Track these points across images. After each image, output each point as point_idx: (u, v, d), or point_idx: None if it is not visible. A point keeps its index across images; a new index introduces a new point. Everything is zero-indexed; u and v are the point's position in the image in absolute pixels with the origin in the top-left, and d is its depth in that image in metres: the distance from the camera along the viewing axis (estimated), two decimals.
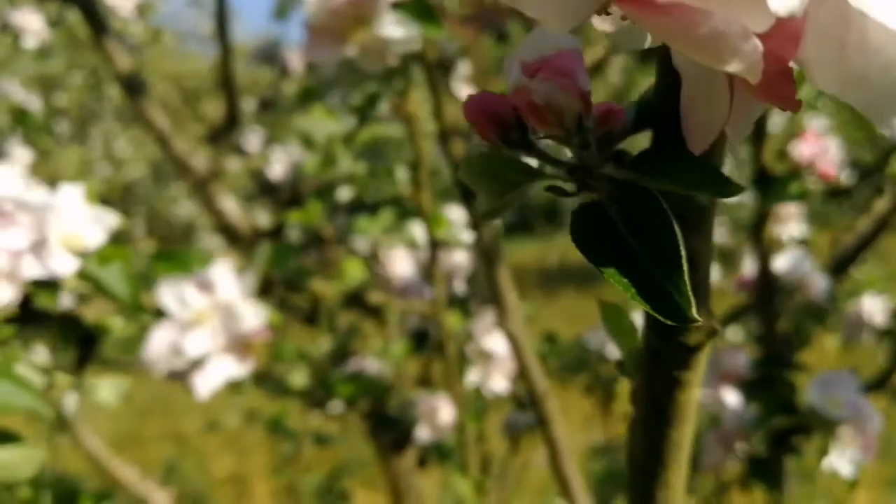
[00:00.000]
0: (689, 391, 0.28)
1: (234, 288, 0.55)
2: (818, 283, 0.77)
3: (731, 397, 0.72)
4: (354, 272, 0.87)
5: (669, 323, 0.22)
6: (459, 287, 1.09)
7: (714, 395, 0.70)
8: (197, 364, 0.55)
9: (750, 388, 0.73)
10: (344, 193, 1.00)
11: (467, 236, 1.05)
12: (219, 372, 0.56)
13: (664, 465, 0.30)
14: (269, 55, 2.53)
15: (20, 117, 1.58)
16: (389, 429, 1.25)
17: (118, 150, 4.65)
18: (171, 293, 0.55)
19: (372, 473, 3.40)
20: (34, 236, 0.46)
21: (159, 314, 0.55)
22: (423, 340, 1.13)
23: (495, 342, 1.12)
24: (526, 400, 1.66)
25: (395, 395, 1.28)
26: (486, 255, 0.60)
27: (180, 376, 0.56)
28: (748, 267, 0.78)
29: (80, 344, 0.53)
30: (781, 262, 0.75)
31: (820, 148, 0.58)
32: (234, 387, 2.05)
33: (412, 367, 1.39)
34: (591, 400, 1.71)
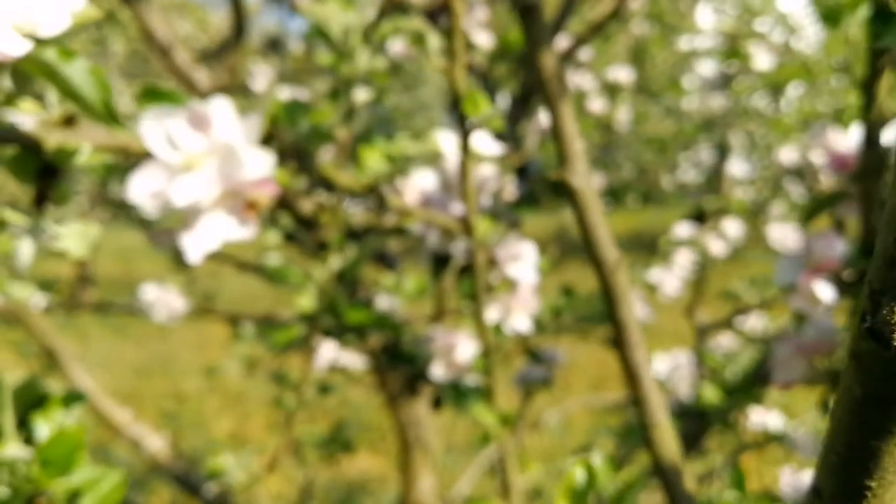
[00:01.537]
0: None
1: (234, 128, 0.45)
2: None
3: (826, 291, 0.61)
4: (373, 163, 0.77)
5: None
6: (486, 202, 0.99)
7: (804, 289, 0.59)
8: (188, 220, 0.45)
9: (842, 285, 0.63)
10: (361, 94, 0.90)
11: (495, 147, 0.95)
12: (214, 230, 0.45)
13: None
14: None
15: None
16: (402, 366, 1.15)
17: (123, 107, 4.56)
18: (157, 129, 0.45)
19: (375, 436, 3.34)
20: None
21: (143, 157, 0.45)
22: (442, 265, 1.03)
23: (521, 270, 1.02)
24: (541, 353, 1.58)
25: (408, 330, 1.19)
26: (547, 86, 0.49)
27: (165, 238, 0.46)
28: (846, 140, 0.66)
29: (40, 176, 0.43)
30: (893, 133, 0.63)
31: None
32: (235, 335, 1.96)
33: (426, 304, 1.30)
34: (613, 353, 1.62)
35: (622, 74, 2.49)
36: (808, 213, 0.65)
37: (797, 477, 1.17)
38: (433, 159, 0.96)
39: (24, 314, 1.63)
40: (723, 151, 3.00)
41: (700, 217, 2.39)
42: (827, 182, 0.70)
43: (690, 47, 3.15)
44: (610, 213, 7.46)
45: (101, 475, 0.56)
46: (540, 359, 1.58)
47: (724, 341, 1.86)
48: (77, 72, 0.40)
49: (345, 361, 1.78)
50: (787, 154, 2.21)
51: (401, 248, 1.51)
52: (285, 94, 1.94)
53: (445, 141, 0.91)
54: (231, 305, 2.52)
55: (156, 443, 1.58)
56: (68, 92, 0.40)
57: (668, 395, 1.71)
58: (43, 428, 0.56)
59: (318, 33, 0.87)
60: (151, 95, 0.47)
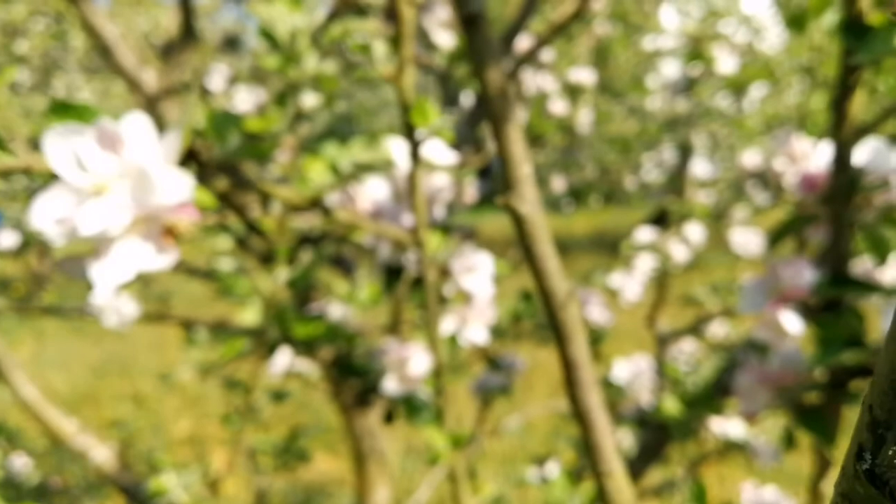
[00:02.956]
0: None
1: (149, 148, 0.41)
2: None
3: (793, 322, 0.57)
4: (317, 175, 0.73)
5: None
6: (440, 213, 0.96)
7: (769, 319, 0.56)
8: (98, 248, 0.40)
9: (809, 314, 0.59)
10: (309, 100, 0.86)
11: (449, 156, 0.91)
12: (126, 259, 0.41)
13: None
14: None
15: None
16: (354, 379, 1.11)
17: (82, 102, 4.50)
18: (64, 148, 0.40)
19: (333, 439, 3.30)
20: None
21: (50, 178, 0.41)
22: (395, 277, 0.99)
23: (477, 282, 0.99)
24: (500, 360, 1.55)
25: (361, 342, 1.15)
26: (492, 105, 0.45)
27: (76, 266, 0.42)
28: (816, 159, 0.63)
29: None
30: (864, 154, 0.59)
31: None
32: (189, 340, 1.91)
33: (381, 313, 1.26)
34: None
35: (584, 76, 2.46)
36: (775, 236, 0.61)
37: (758, 493, 1.14)
38: (386, 167, 0.92)
39: None
40: (685, 152, 2.99)
41: (661, 220, 2.37)
42: (792, 197, 0.67)
43: (654, 47, 3.14)
44: (572, 214, 7.46)
45: None
46: (498, 366, 1.56)
47: (686, 347, 1.84)
48: None
49: (301, 367, 1.74)
50: (750, 158, 2.19)
51: (358, 252, 1.47)
52: (242, 94, 1.90)
53: (397, 149, 0.87)
54: (189, 306, 2.47)
55: (102, 453, 1.53)
56: None
57: (629, 401, 1.68)
58: None
59: (265, 35, 0.83)
60: (61, 111, 0.43)
